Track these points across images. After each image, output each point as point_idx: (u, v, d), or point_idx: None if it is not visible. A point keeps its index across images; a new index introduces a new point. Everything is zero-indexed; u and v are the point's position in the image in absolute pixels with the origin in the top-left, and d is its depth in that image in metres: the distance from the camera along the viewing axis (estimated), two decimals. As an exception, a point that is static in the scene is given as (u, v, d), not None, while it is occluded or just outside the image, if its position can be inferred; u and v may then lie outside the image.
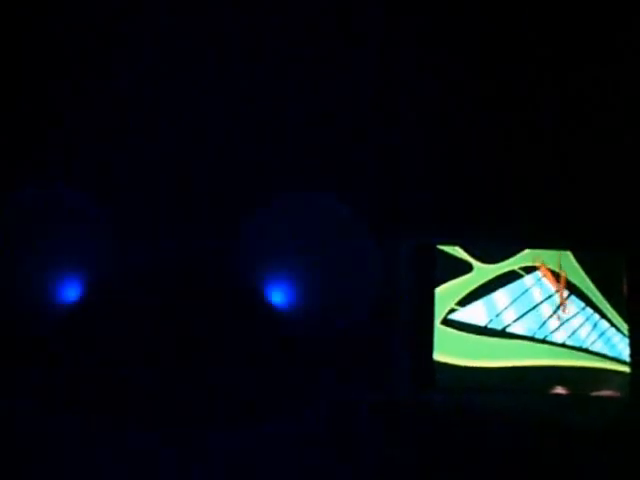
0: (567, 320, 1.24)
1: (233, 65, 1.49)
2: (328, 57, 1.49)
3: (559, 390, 1.21)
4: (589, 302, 1.25)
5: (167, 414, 1.04)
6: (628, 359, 1.23)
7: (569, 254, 1.26)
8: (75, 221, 1.21)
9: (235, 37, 1.49)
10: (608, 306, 1.25)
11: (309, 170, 1.45)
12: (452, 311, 1.22)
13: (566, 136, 1.47)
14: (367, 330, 1.27)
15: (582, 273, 1.26)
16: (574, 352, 1.23)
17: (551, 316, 1.24)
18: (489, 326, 1.23)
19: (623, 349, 1.23)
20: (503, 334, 1.23)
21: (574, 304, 1.25)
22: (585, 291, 1.25)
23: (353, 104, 1.49)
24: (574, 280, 1.26)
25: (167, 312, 1.09)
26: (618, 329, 1.24)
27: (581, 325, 1.24)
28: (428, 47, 1.49)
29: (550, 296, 1.25)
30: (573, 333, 1.24)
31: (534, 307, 1.24)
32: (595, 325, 1.24)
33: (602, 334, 1.24)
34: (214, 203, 1.46)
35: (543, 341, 1.23)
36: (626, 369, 1.23)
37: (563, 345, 1.23)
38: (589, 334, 1.24)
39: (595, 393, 1.21)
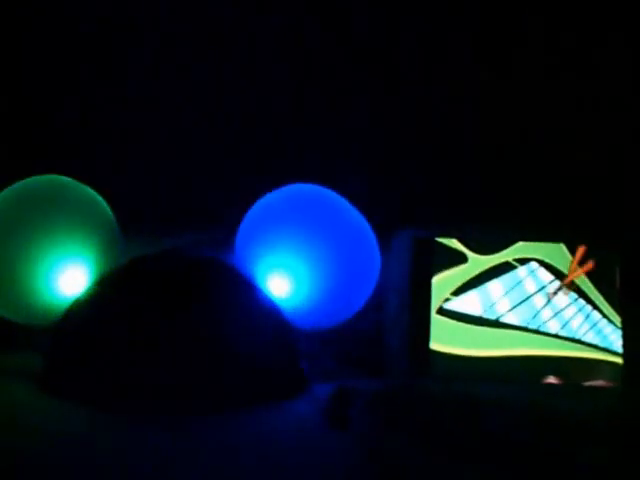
0: (560, 311, 1.26)
1: (232, 64, 1.50)
2: (327, 54, 1.51)
3: (552, 380, 1.23)
4: (581, 293, 1.27)
5: (165, 405, 1.04)
6: (620, 350, 1.25)
7: (562, 246, 1.28)
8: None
9: (235, 37, 1.50)
10: (600, 297, 1.26)
11: (308, 164, 1.47)
12: (447, 300, 1.24)
13: (562, 130, 1.49)
14: (364, 320, 1.28)
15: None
16: (566, 342, 1.25)
17: (545, 306, 1.26)
18: (483, 316, 1.25)
19: (615, 340, 1.25)
20: (497, 324, 1.24)
21: (567, 295, 1.27)
22: (577, 282, 1.27)
23: (351, 100, 1.51)
24: (566, 271, 1.28)
25: (167, 306, 1.09)
26: (610, 320, 1.26)
27: (574, 316, 1.26)
28: (428, 46, 1.50)
29: (543, 287, 1.27)
30: (566, 324, 1.25)
31: (527, 298, 1.26)
32: (588, 316, 1.26)
33: (594, 325, 1.26)
34: (214, 200, 1.47)
35: (536, 331, 1.25)
36: (617, 360, 1.25)
37: (556, 335, 1.25)
38: (581, 325, 1.26)
39: (587, 383, 1.23)
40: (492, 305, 1.25)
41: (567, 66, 1.52)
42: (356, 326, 1.28)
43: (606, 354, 1.25)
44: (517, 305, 1.25)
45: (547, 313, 1.26)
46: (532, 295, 1.26)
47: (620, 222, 1.39)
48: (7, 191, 1.22)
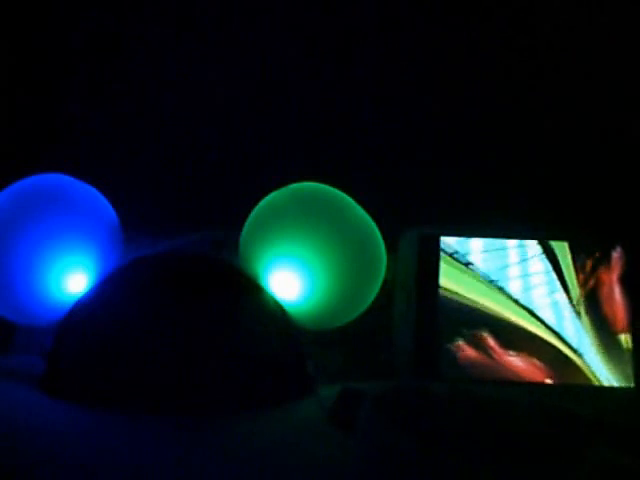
0: (527, 275, 1.20)
1: (233, 64, 1.47)
2: (329, 52, 1.47)
3: (485, 334, 1.18)
4: (558, 271, 1.20)
5: (170, 406, 1.03)
6: (567, 335, 1.18)
7: (565, 245, 1.21)
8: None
9: (236, 37, 1.47)
10: (576, 285, 1.20)
11: (309, 162, 1.44)
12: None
13: (562, 129, 1.43)
14: (369, 319, 1.26)
15: (569, 259, 1.21)
16: (517, 308, 1.18)
17: (515, 264, 1.20)
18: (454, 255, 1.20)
19: (568, 326, 1.18)
20: (465, 264, 1.20)
21: (542, 263, 1.20)
22: (561, 262, 1.20)
23: (353, 97, 1.47)
24: (558, 253, 1.21)
25: (171, 307, 1.08)
26: (574, 307, 1.19)
27: (537, 286, 1.19)
28: (429, 46, 1.45)
29: (524, 259, 1.20)
30: (526, 290, 1.19)
31: (502, 248, 1.20)
32: (552, 292, 1.19)
33: (555, 303, 1.19)
34: (216, 198, 1.46)
35: (498, 288, 1.19)
36: (560, 345, 1.18)
37: (510, 298, 1.19)
38: (542, 298, 1.19)
39: (520, 353, 1.18)
40: (465, 255, 1.20)
41: (568, 65, 1.44)
42: (362, 326, 1.25)
43: (552, 335, 1.18)
44: (489, 250, 1.20)
45: (514, 271, 1.20)
46: (508, 248, 1.20)
47: (628, 225, 1.32)
48: (7, 190, 1.20)
